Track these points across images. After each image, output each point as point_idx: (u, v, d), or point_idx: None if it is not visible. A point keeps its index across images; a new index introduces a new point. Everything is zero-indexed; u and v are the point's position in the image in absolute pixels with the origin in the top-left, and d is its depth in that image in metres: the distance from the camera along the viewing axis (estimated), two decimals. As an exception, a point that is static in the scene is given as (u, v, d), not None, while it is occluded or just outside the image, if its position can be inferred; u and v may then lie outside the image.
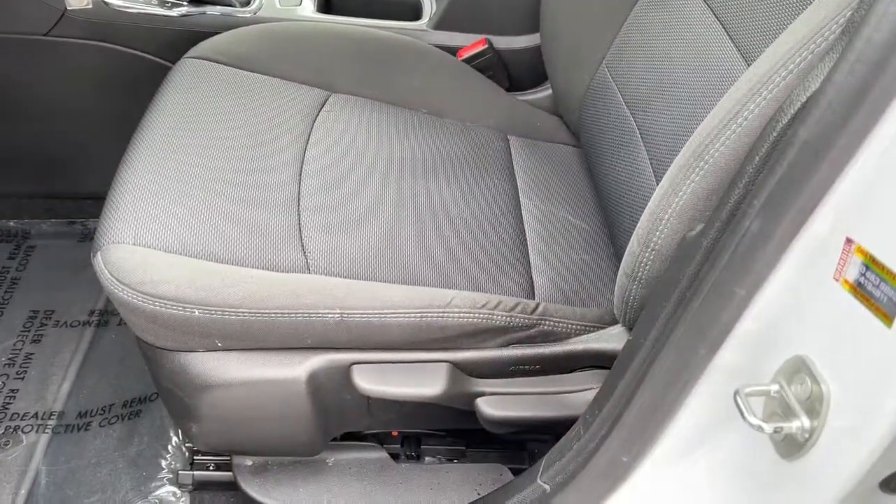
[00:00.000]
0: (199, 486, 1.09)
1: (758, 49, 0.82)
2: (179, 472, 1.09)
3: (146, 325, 0.84)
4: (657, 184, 0.90)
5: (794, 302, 0.55)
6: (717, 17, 0.91)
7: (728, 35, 0.88)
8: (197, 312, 0.81)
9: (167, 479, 1.13)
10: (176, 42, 1.25)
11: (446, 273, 0.91)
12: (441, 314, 0.85)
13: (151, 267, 0.83)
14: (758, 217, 0.51)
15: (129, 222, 0.87)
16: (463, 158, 1.12)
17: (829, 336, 0.53)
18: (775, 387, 0.56)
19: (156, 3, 1.27)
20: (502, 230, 1.03)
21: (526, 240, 1.03)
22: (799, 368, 0.55)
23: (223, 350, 0.86)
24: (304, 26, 1.26)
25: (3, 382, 1.27)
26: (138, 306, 0.81)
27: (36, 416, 1.23)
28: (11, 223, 1.52)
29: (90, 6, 1.22)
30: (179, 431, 1.17)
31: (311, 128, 1.09)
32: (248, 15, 1.30)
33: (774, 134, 0.55)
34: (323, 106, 1.14)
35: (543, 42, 1.26)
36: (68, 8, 1.22)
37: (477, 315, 0.87)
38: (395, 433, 1.07)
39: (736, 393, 0.56)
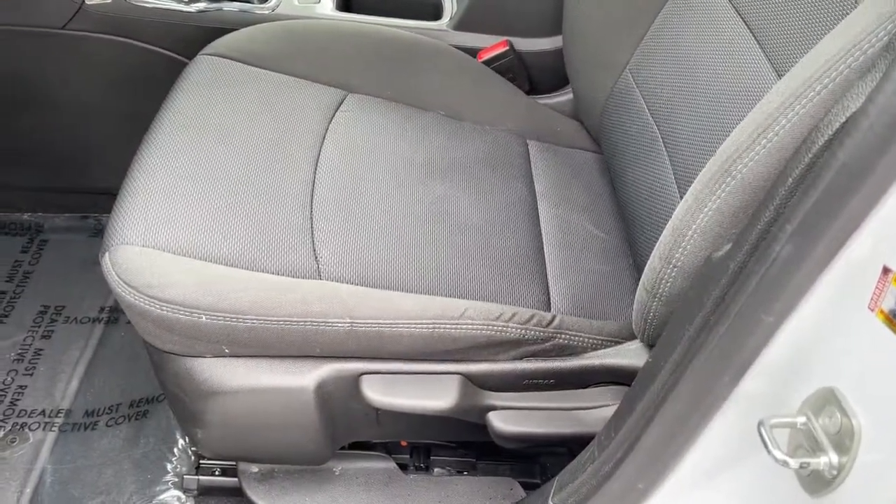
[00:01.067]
0: (204, 492, 1.08)
1: (789, 59, 0.79)
2: (184, 476, 1.08)
3: (153, 329, 0.83)
4: (681, 196, 0.88)
5: (824, 331, 0.52)
6: (746, 24, 0.88)
7: (758, 43, 0.85)
8: (204, 318, 0.79)
9: (172, 483, 1.12)
10: (193, 38, 1.24)
11: (460, 282, 0.89)
12: (454, 325, 0.83)
13: (159, 270, 0.81)
14: (789, 242, 0.49)
15: (138, 223, 0.85)
16: (480, 162, 1.10)
17: (862, 368, 0.50)
18: (802, 419, 0.53)
19: (173, -3, 1.26)
20: (519, 238, 1.00)
21: (543, 248, 1.01)
22: (828, 400, 0.52)
23: (230, 356, 0.84)
24: (322, 24, 1.24)
25: (11, 378, 1.26)
26: (145, 309, 0.80)
27: (43, 413, 1.22)
28: (25, 216, 1.52)
29: (108, 0, 1.21)
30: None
31: (327, 129, 1.07)
32: (266, 12, 1.28)
33: (810, 155, 0.52)
34: (339, 106, 1.12)
35: (565, 45, 1.24)
36: (86, 2, 1.21)
37: (491, 327, 0.84)
38: (404, 443, 1.05)
39: (760, 424, 0.53)
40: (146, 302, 0.79)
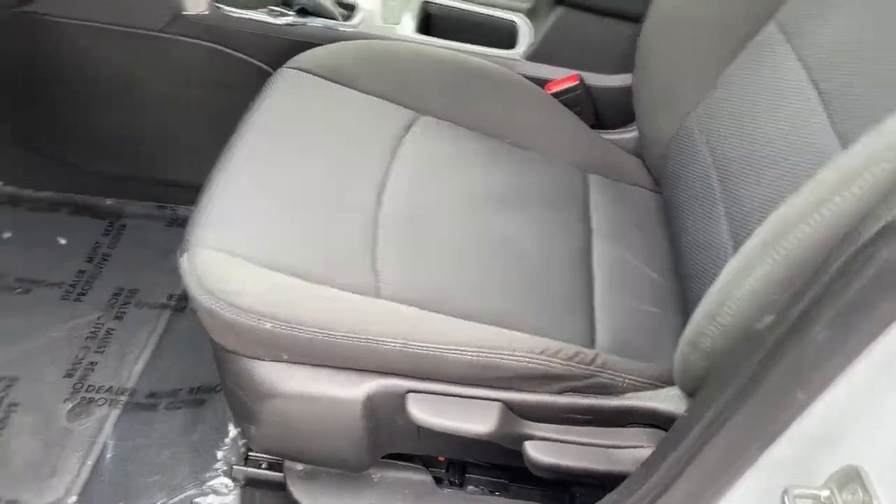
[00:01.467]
0: (251, 483, 1.14)
1: (854, 132, 0.80)
2: (234, 466, 1.14)
3: (219, 329, 0.89)
4: (734, 251, 0.89)
5: (855, 412, 0.54)
6: (816, 89, 0.89)
7: (826, 111, 0.86)
8: (268, 325, 0.85)
9: (222, 471, 1.18)
10: (278, 49, 1.30)
11: (510, 312, 0.93)
12: (498, 355, 0.87)
13: (233, 276, 0.87)
14: (828, 327, 0.51)
15: (216, 229, 0.91)
16: (541, 193, 1.13)
17: (887, 452, 0.52)
18: (826, 492, 0.55)
19: (264, 11, 1.32)
20: (571, 272, 1.03)
21: (593, 284, 1.04)
22: (852, 478, 0.54)
23: (288, 362, 0.90)
24: (400, 46, 1.29)
25: (84, 354, 1.35)
26: (216, 312, 0.86)
27: (110, 390, 1.30)
28: (108, 201, 1.60)
29: (207, 12, 1.28)
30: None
31: (397, 149, 1.11)
32: (349, 29, 1.34)
33: (854, 248, 0.54)
34: (411, 127, 1.16)
35: (635, 83, 1.26)
36: (183, 13, 1.28)
37: (534, 360, 0.88)
38: (441, 458, 1.09)
39: (785, 492, 0.55)
40: (217, 305, 0.85)
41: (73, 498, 1.17)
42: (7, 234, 1.52)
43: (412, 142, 1.14)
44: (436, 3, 1.44)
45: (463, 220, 1.04)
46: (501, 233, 1.04)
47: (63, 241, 1.53)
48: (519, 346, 0.88)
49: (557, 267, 1.03)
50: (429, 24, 1.41)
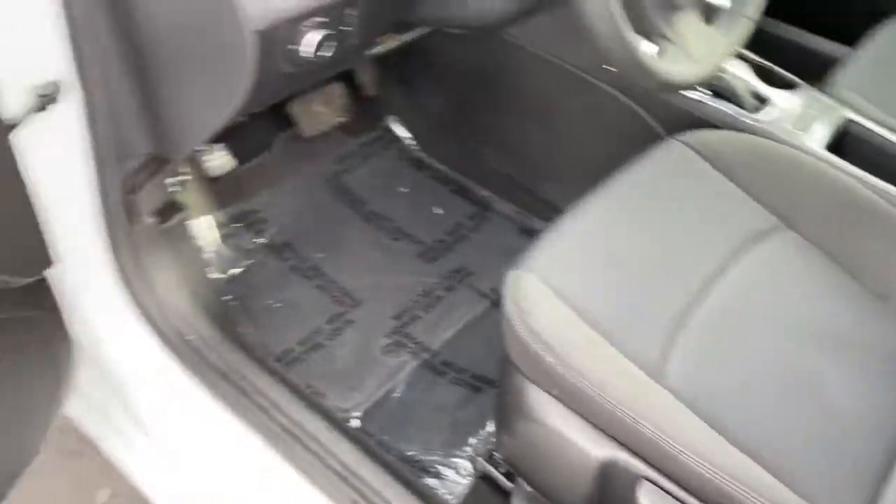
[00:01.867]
0: (484, 479, 1.24)
1: None
2: (478, 457, 1.26)
3: (513, 344, 0.99)
4: None
5: None
6: None
7: None
8: (550, 360, 0.93)
9: (467, 456, 1.32)
10: (677, 118, 1.35)
11: (783, 458, 0.88)
12: (745, 494, 0.84)
13: (546, 310, 0.96)
14: None
15: (551, 263, 1.02)
16: (877, 351, 1.04)
17: None
18: None
19: (683, 82, 1.38)
20: (874, 444, 0.94)
21: (893, 470, 0.93)
22: None
23: (555, 398, 0.97)
24: (798, 156, 1.24)
25: (413, 306, 1.59)
26: (517, 330, 0.96)
27: (419, 344, 1.51)
28: (483, 192, 1.83)
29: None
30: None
31: (747, 250, 1.11)
32: (752, 122, 1.33)
33: None
34: (770, 234, 1.15)
35: None
36: (603, 66, 1.42)
37: (780, 518, 0.83)
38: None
39: None
40: (520, 325, 0.95)
41: (358, 414, 1.41)
42: (404, 189, 1.84)
43: (765, 249, 1.12)
44: (860, 125, 1.36)
45: (780, 345, 1.01)
46: (815, 375, 0.99)
47: (438, 211, 1.80)
48: (771, 497, 0.84)
49: (860, 433, 0.95)
50: (840, 142, 1.34)
